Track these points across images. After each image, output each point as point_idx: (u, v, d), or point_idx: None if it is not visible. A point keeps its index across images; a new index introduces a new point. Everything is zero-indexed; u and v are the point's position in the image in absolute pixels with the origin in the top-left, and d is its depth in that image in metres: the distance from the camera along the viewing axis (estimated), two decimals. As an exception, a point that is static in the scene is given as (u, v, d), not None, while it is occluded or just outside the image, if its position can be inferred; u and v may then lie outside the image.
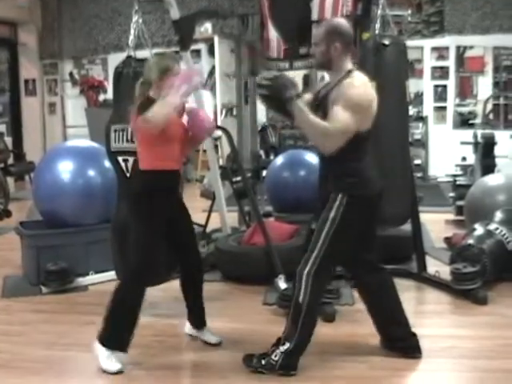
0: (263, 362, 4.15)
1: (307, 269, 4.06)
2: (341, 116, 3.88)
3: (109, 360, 4.22)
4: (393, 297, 4.46)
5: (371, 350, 4.45)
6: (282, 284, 5.39)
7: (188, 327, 4.76)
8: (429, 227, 7.30)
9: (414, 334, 4.44)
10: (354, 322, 4.90)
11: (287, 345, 4.10)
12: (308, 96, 4.27)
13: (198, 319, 4.69)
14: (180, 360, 4.52)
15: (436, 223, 7.96)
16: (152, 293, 4.87)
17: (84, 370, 4.34)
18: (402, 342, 4.42)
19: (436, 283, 5.73)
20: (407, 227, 5.92)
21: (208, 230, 7.19)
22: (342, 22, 4.18)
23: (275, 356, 4.11)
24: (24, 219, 7.05)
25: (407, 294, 5.68)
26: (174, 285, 5.55)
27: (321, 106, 4.08)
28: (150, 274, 4.34)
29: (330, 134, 3.90)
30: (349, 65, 4.10)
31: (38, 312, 5.48)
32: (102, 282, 5.95)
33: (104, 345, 4.23)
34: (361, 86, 3.98)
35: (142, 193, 4.31)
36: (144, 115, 4.06)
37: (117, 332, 4.24)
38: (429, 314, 5.31)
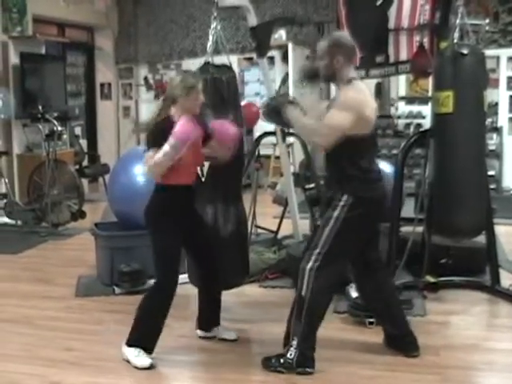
0: (282, 360, 4.25)
1: (309, 265, 4.22)
2: (330, 114, 4.13)
3: (138, 357, 4.41)
4: (391, 296, 4.59)
5: (443, 361, 4.41)
6: (353, 292, 5.35)
7: (200, 332, 4.90)
8: (502, 240, 7.16)
9: (411, 333, 4.52)
10: (426, 333, 4.82)
11: (296, 339, 4.20)
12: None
13: (208, 321, 4.86)
14: (251, 364, 4.52)
15: (510, 236, 7.81)
16: (225, 298, 4.92)
17: (154, 369, 4.39)
18: (399, 340, 4.54)
19: (510, 297, 5.63)
20: (481, 239, 5.84)
21: (279, 236, 7.21)
22: (344, 35, 4.41)
23: (290, 354, 4.21)
24: (98, 220, 7.18)
25: (480, 307, 5.63)
26: (247, 290, 5.61)
27: None
28: (174, 285, 4.46)
29: (318, 130, 4.15)
30: (350, 74, 4.26)
31: (111, 312, 5.58)
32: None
33: (131, 345, 4.44)
34: (354, 91, 4.18)
35: (158, 207, 4.50)
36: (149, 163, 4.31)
37: (144, 334, 4.46)
38: (502, 327, 5.21)
